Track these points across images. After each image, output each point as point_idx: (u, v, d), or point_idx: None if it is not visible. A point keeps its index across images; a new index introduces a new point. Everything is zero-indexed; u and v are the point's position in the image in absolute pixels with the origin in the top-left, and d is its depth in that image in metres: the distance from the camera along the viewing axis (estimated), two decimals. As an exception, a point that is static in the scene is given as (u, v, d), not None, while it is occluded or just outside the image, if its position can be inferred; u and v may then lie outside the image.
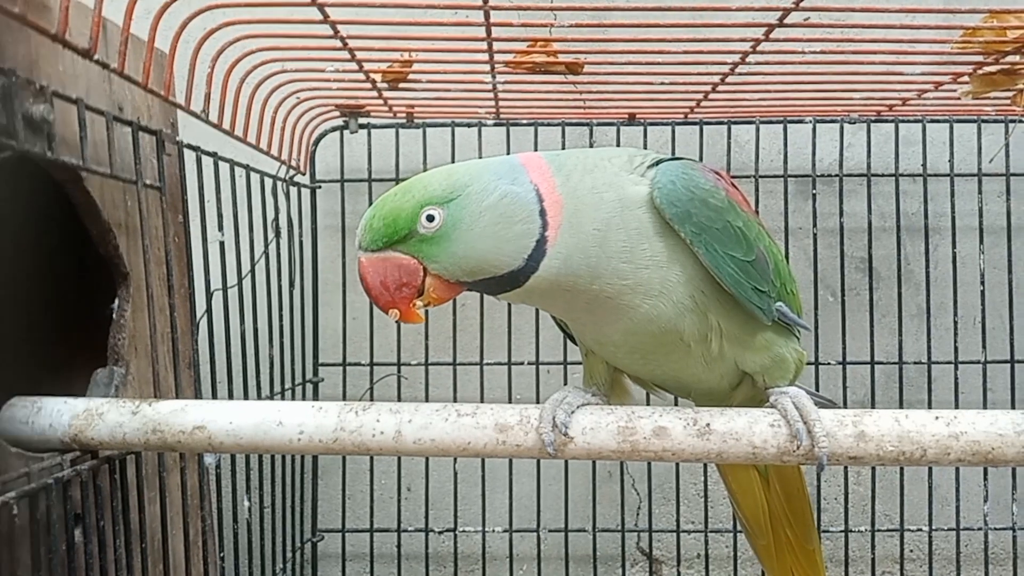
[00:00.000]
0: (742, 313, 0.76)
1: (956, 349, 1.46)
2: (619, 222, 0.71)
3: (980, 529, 1.47)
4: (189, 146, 1.10)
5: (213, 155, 1.15)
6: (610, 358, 0.83)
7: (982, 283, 1.46)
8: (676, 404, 0.90)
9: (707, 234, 0.72)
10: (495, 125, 1.49)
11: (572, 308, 0.78)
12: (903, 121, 1.47)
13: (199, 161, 1.12)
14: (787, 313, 0.80)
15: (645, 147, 1.47)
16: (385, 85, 1.28)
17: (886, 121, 1.47)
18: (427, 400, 1.28)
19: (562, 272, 0.71)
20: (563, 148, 1.48)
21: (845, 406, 1.45)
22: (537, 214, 0.70)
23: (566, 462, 1.47)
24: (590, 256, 0.71)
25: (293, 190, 1.46)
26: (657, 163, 0.76)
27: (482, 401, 1.45)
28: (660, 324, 0.74)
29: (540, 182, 0.71)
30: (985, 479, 1.45)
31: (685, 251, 0.73)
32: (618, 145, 1.49)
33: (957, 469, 1.46)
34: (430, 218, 0.68)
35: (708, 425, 0.75)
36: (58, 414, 0.82)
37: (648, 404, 0.91)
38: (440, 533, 1.54)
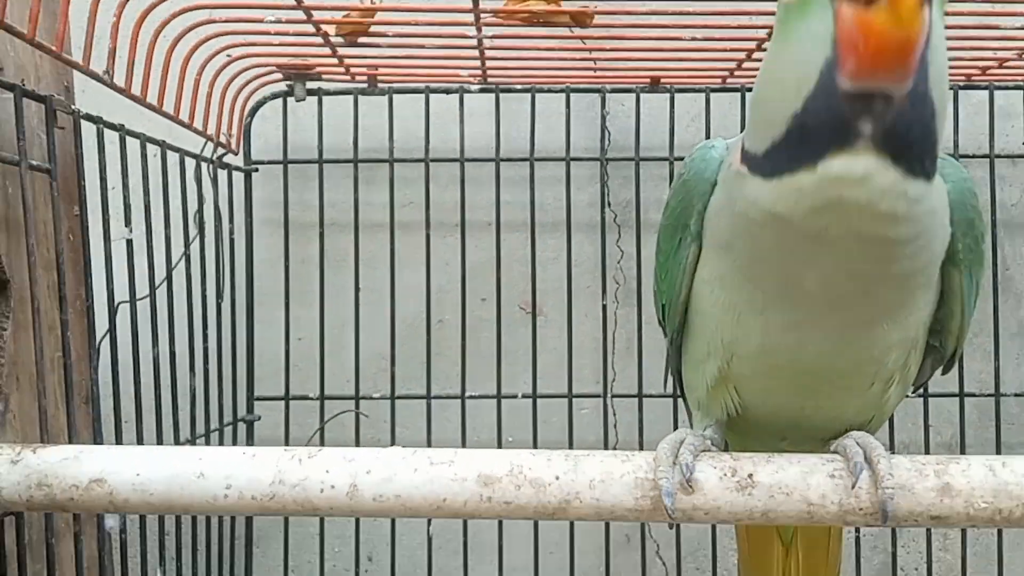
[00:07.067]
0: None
1: (1069, 378, 1.46)
2: None
3: (1099, 608, 1.47)
4: (88, 117, 1.10)
5: (119, 128, 1.15)
6: (761, 351, 0.82)
7: (1102, 293, 1.47)
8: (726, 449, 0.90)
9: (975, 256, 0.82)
10: (481, 91, 1.49)
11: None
12: (999, 87, 1.48)
13: (101, 136, 1.12)
14: None
15: (672, 119, 1.47)
16: (340, 40, 1.28)
17: (978, 87, 1.48)
18: (393, 444, 1.28)
19: None
20: (567, 120, 1.48)
21: (927, 451, 1.46)
22: None
23: (571, 524, 1.46)
24: None
25: (222, 173, 1.46)
26: None
27: (464, 445, 1.46)
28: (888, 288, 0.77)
29: None
30: (1107, 544, 1.46)
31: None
32: (637, 117, 1.49)
33: (1071, 531, 1.46)
34: None
35: (751, 476, 0.75)
36: (-89, 463, 0.81)
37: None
38: (410, 615, 1.54)
